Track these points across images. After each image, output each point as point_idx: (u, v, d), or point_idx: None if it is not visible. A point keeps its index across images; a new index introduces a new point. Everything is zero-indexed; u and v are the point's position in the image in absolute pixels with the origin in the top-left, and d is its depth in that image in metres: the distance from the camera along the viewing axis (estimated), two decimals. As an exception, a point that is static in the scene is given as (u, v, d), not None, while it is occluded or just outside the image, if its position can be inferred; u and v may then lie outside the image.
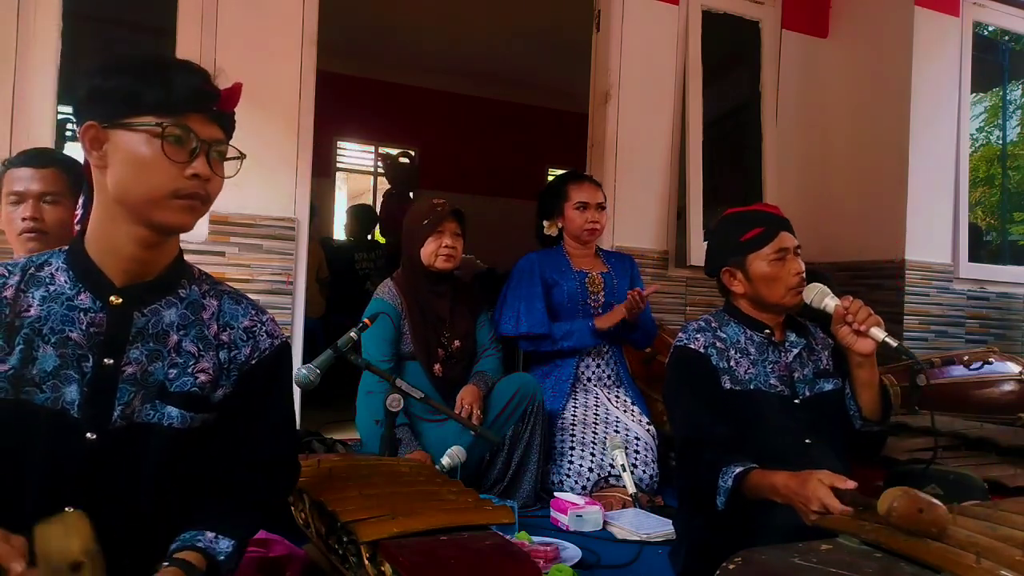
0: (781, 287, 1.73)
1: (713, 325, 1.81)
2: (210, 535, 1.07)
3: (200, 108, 1.09)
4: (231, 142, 1.16)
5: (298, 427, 3.03)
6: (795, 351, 1.79)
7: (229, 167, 1.14)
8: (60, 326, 1.06)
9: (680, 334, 1.82)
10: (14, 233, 1.76)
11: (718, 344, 1.76)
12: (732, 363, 1.74)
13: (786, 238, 1.77)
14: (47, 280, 1.09)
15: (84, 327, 1.07)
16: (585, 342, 2.84)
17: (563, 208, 2.98)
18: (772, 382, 1.75)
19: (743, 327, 1.80)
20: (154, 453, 1.08)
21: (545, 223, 3.06)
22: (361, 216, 5.71)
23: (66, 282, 1.09)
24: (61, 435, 1.04)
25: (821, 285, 1.72)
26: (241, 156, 1.15)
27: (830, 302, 1.69)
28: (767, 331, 1.79)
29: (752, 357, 1.76)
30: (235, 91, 1.13)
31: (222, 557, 1.06)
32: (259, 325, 1.19)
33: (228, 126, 1.15)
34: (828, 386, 1.78)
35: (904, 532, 1.09)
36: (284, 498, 1.29)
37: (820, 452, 1.70)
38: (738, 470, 1.56)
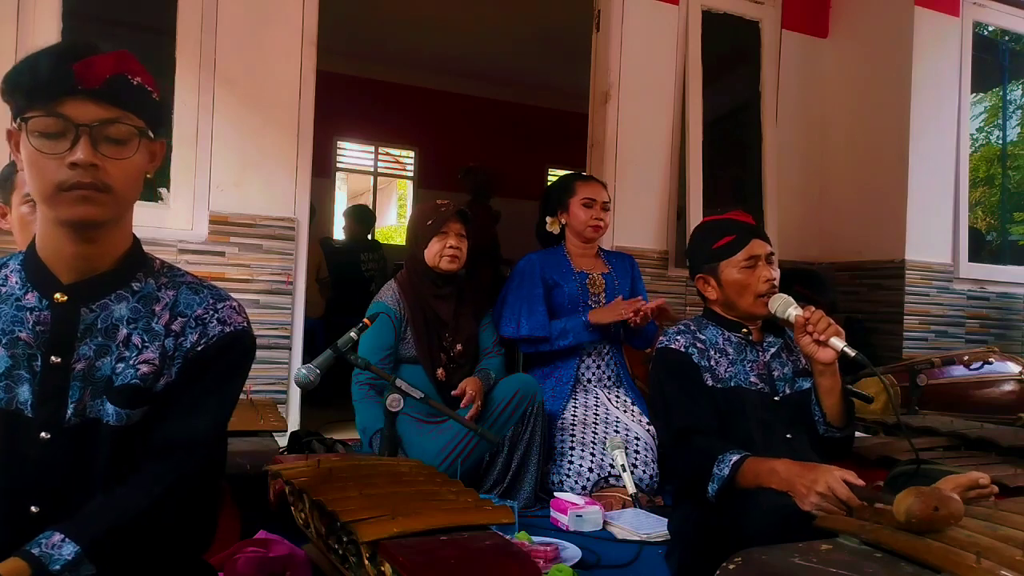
0: (751, 294, 1.79)
1: (692, 328, 1.86)
2: (56, 537, 0.96)
3: (66, 92, 0.99)
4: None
5: (298, 428, 3.04)
6: (772, 350, 1.84)
7: (129, 147, 1.04)
8: (10, 326, 1.06)
9: (661, 338, 1.88)
10: (32, 235, 1.72)
11: (698, 344, 1.81)
12: (712, 362, 1.79)
13: (757, 246, 1.81)
14: (1, 282, 1.09)
15: (32, 326, 1.06)
16: (581, 338, 2.83)
17: (568, 204, 2.97)
18: (752, 380, 1.79)
19: (721, 329, 1.85)
20: (106, 449, 1.07)
21: (548, 219, 3.05)
22: (359, 217, 5.71)
23: (17, 283, 1.08)
24: (16, 435, 1.04)
25: (785, 296, 1.77)
26: (139, 128, 1.05)
27: (793, 312, 1.73)
28: (744, 331, 1.84)
29: (731, 357, 1.81)
30: (90, 65, 1.00)
31: (57, 567, 0.93)
32: (212, 312, 1.13)
33: (122, 100, 1.03)
34: (807, 384, 1.82)
35: (920, 532, 1.10)
36: (175, 489, 1.07)
37: (801, 447, 1.74)
38: (735, 458, 1.60)
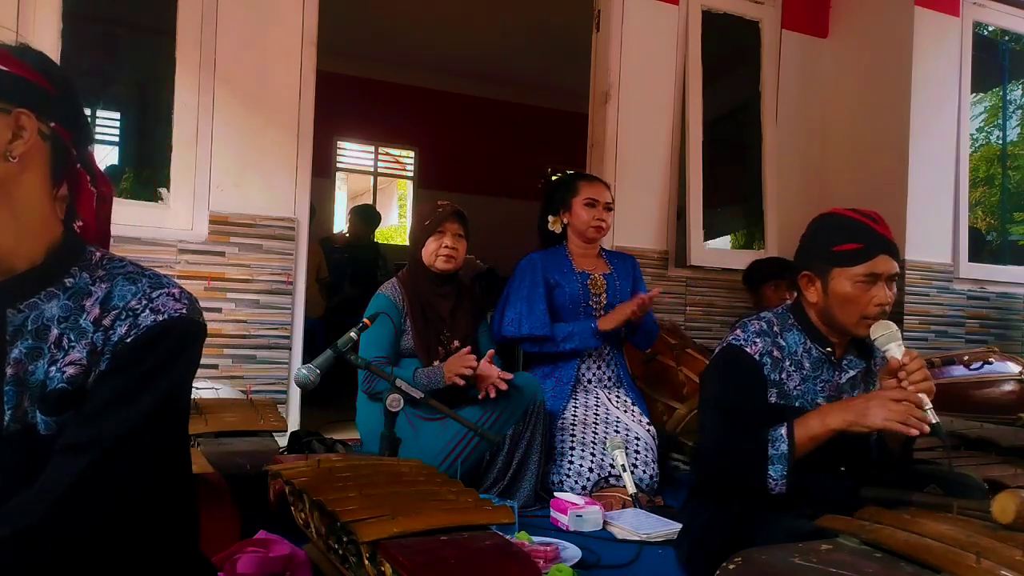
0: (856, 313, 1.62)
1: (775, 329, 1.71)
2: None
3: None
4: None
5: (298, 428, 3.04)
6: (851, 373, 1.70)
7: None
8: None
9: (738, 331, 1.71)
10: None
11: (775, 352, 1.67)
12: (784, 375, 1.67)
13: (882, 263, 1.61)
14: None
15: None
16: (588, 343, 2.83)
17: (571, 203, 2.95)
18: (819, 401, 1.68)
19: (804, 337, 1.70)
20: (47, 456, 1.00)
21: (550, 218, 3.03)
22: (364, 216, 5.72)
23: None
24: None
25: (893, 327, 1.59)
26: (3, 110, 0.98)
27: (895, 350, 1.57)
28: (828, 349, 1.70)
29: (805, 372, 1.68)
30: None
31: None
32: (146, 302, 1.03)
33: None
34: None
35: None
36: (81, 492, 0.97)
37: (855, 475, 1.66)
38: (783, 430, 1.53)
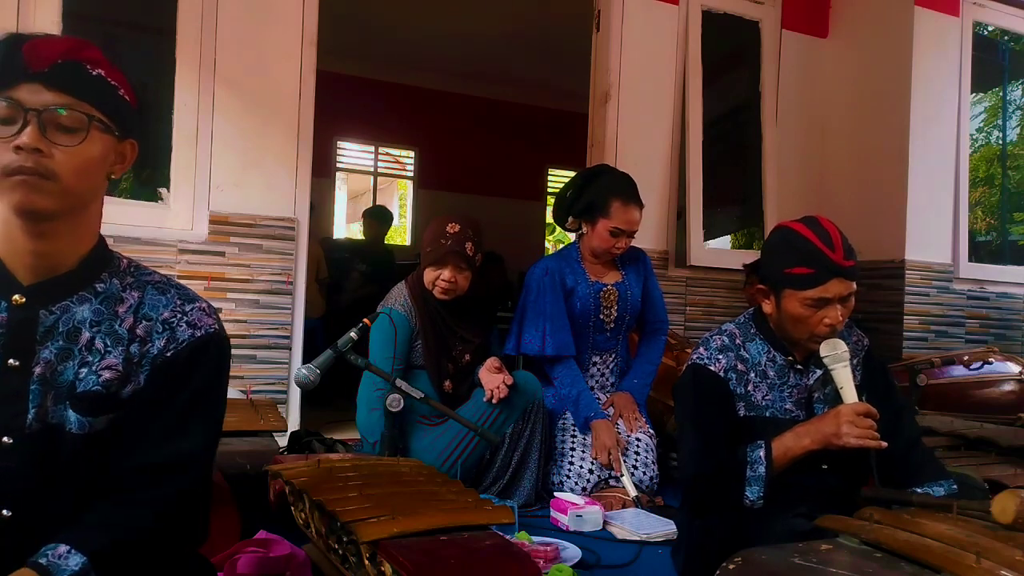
0: (806, 331, 1.64)
1: (737, 342, 1.73)
2: (63, 548, 0.96)
3: (20, 76, 0.98)
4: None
5: (298, 428, 3.04)
6: (818, 373, 1.71)
7: (79, 135, 1.01)
8: None
9: (701, 349, 1.73)
10: None
11: (739, 366, 1.69)
12: (750, 387, 1.69)
13: (834, 287, 1.59)
14: None
15: None
16: (577, 416, 2.73)
17: (597, 220, 2.77)
18: (788, 407, 1.70)
19: (767, 345, 1.72)
20: (70, 456, 1.04)
21: (570, 218, 2.90)
22: (379, 217, 5.69)
23: None
24: None
25: (842, 347, 1.62)
26: (94, 118, 1.01)
27: (842, 373, 1.61)
28: (790, 358, 1.71)
29: (771, 381, 1.70)
30: (35, 46, 0.98)
31: None
32: (180, 315, 1.10)
33: (75, 87, 1.00)
34: None
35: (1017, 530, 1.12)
36: (178, 506, 1.08)
37: (835, 477, 1.67)
38: (762, 452, 1.57)
